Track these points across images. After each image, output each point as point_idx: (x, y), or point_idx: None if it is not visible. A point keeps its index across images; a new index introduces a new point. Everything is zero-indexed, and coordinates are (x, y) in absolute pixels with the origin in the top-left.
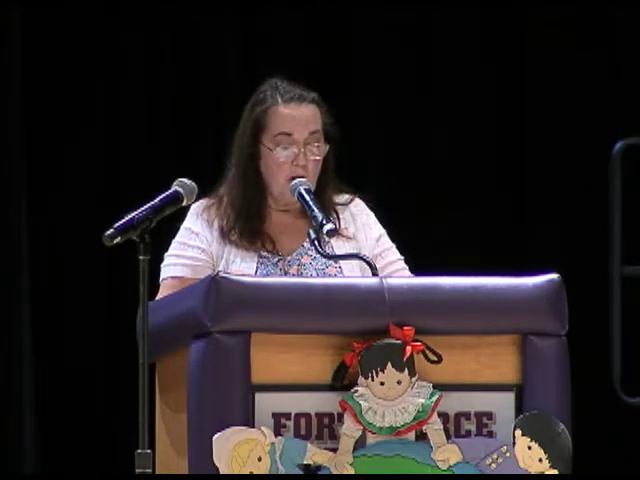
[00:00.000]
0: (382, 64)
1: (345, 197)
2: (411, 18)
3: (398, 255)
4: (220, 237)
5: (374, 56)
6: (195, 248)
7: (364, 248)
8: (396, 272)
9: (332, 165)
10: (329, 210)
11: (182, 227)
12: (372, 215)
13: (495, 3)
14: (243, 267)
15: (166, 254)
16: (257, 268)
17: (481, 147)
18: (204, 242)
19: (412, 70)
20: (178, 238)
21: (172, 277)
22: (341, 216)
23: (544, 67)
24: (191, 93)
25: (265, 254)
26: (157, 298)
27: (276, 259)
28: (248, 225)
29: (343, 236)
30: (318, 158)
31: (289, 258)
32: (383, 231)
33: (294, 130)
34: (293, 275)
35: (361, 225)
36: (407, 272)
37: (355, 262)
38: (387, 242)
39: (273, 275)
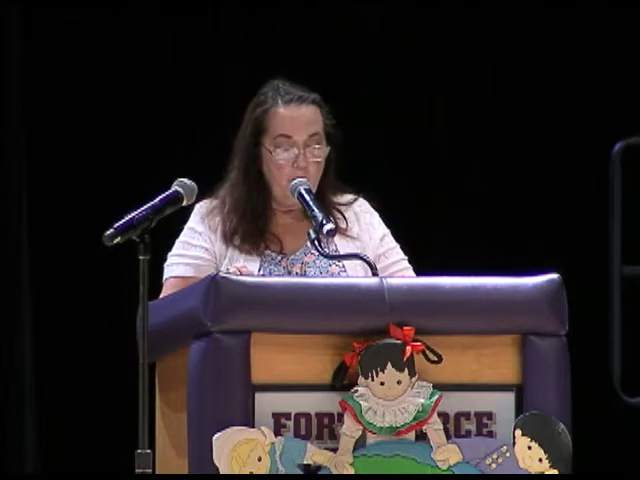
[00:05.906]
0: (382, 64)
1: (349, 197)
2: (411, 16)
3: (402, 255)
4: (223, 238)
5: (374, 56)
6: (199, 247)
7: (368, 248)
8: (399, 272)
9: (333, 167)
10: (331, 211)
11: (186, 227)
12: (376, 215)
13: (496, 4)
14: (246, 266)
15: (169, 254)
16: (260, 266)
17: (482, 146)
18: (208, 241)
19: (413, 69)
20: (182, 238)
21: (175, 277)
22: (345, 215)
23: (544, 67)
24: (191, 93)
25: (268, 252)
26: (160, 298)
27: (279, 258)
28: (252, 226)
29: (347, 236)
30: (319, 160)
31: (292, 257)
32: (387, 231)
33: (294, 132)
34: (297, 273)
35: (365, 225)
36: (411, 272)
37: (358, 261)
38: (391, 242)
39: (276, 274)
